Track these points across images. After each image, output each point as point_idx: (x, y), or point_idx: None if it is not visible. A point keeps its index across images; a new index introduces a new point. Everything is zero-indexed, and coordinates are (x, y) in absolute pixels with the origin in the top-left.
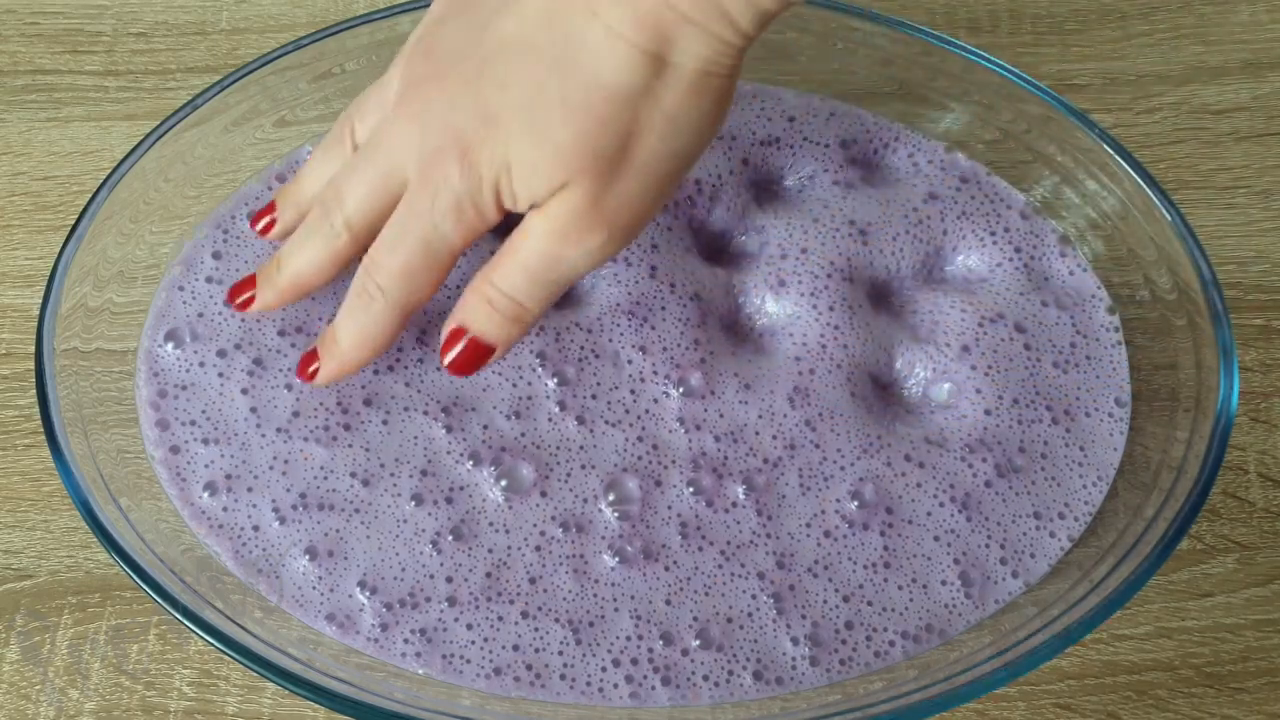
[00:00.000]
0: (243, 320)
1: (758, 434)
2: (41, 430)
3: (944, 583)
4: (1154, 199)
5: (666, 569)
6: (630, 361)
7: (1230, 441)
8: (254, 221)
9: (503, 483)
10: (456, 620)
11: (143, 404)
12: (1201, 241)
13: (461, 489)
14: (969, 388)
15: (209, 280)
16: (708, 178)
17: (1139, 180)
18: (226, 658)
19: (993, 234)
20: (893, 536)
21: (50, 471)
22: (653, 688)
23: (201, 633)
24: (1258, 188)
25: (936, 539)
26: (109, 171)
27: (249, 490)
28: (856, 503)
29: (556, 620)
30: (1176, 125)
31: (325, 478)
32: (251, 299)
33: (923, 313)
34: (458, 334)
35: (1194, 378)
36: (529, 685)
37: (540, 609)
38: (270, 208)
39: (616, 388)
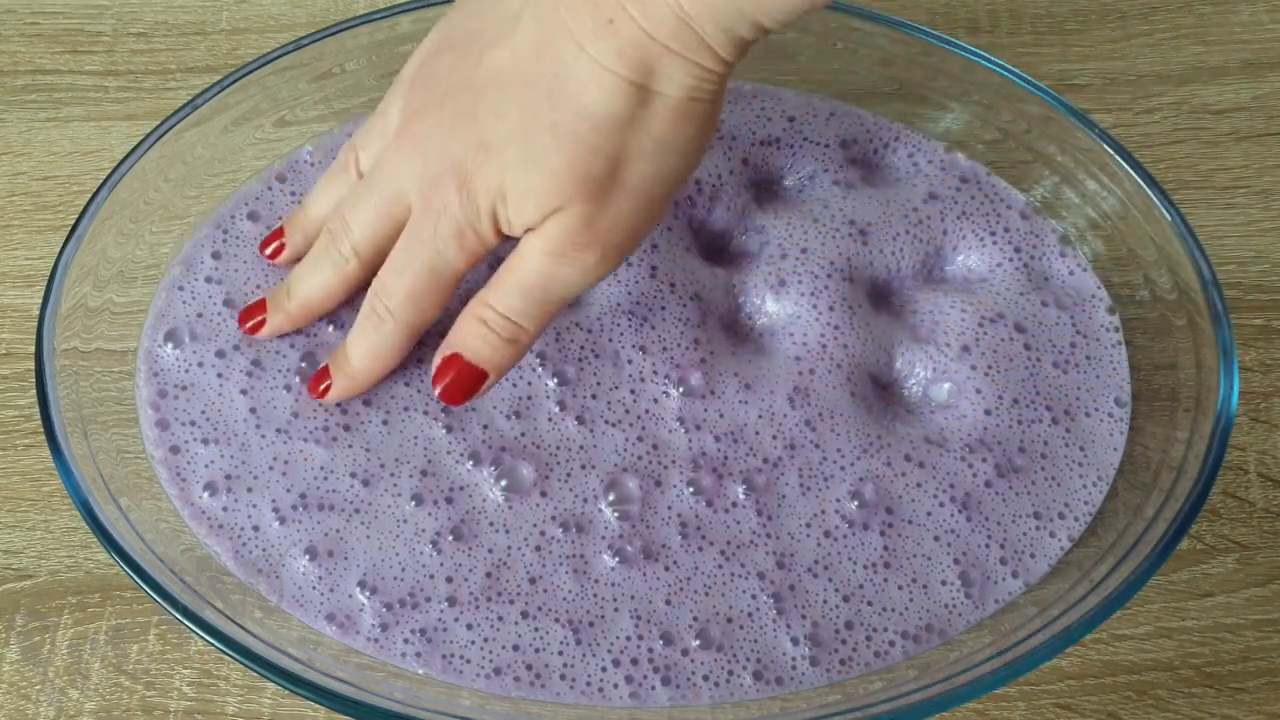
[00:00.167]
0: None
1: (758, 434)
2: (41, 430)
3: (944, 583)
4: (1154, 199)
5: (666, 569)
6: (630, 361)
7: (1230, 441)
8: (263, 246)
9: (503, 483)
10: (456, 620)
11: (143, 404)
12: (1201, 241)
13: (462, 489)
14: (969, 388)
15: (208, 280)
16: (708, 178)
17: (1139, 180)
18: (226, 658)
19: (993, 234)
20: (893, 536)
21: (50, 471)
22: (653, 688)
23: (201, 633)
24: (1258, 188)
25: (936, 539)
26: (109, 171)
27: (249, 490)
28: (856, 503)
29: (556, 620)
30: (1176, 125)
31: (325, 478)
32: (262, 323)
33: (923, 313)
34: (451, 361)
35: (1194, 378)
36: (529, 685)
37: (540, 609)
38: (278, 233)
39: (616, 387)
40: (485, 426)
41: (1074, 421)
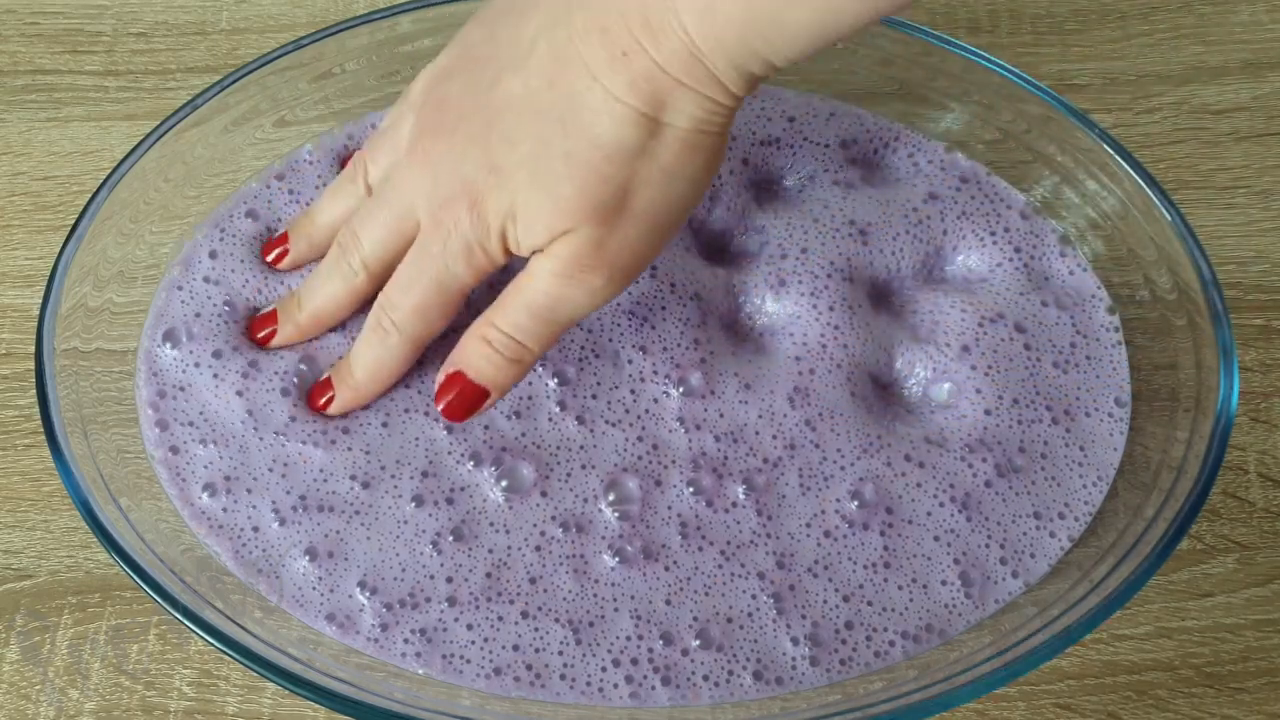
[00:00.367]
0: (239, 321)
1: (758, 434)
2: (41, 430)
3: (944, 583)
4: (1154, 199)
5: (666, 569)
6: (630, 361)
7: (1230, 441)
8: (265, 252)
9: (503, 483)
10: (456, 620)
11: (142, 404)
12: (1201, 241)
13: (462, 489)
14: (969, 388)
15: (206, 280)
16: None
17: (1139, 180)
18: (226, 658)
19: (993, 234)
20: (893, 536)
21: (50, 471)
22: (653, 688)
23: (201, 633)
24: (1258, 188)
25: (936, 539)
26: (109, 171)
27: (248, 492)
28: (856, 503)
29: (556, 620)
30: (1176, 125)
31: (325, 480)
32: (273, 333)
33: (923, 313)
34: (454, 379)
35: (1194, 378)
36: (529, 685)
37: (540, 609)
38: (282, 239)
39: (616, 387)
40: (486, 427)
41: (1074, 421)
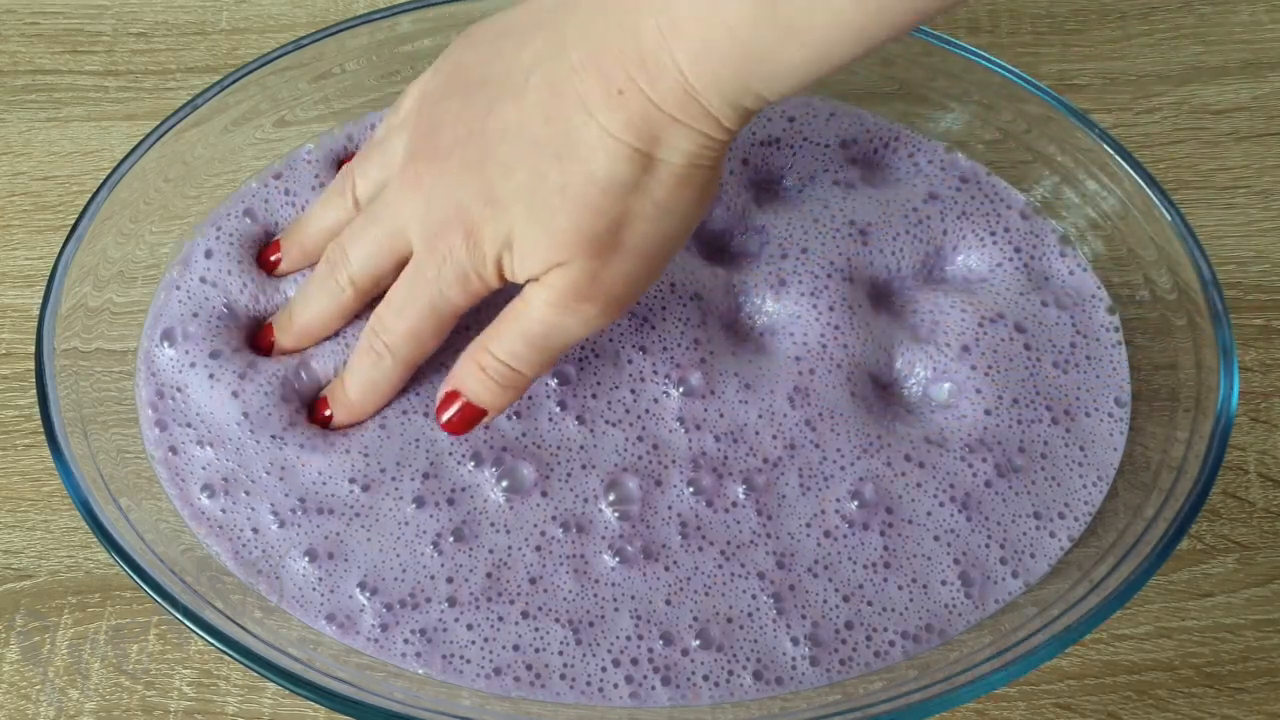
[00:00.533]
0: (236, 322)
1: (758, 434)
2: (41, 430)
3: (944, 583)
4: (1154, 199)
5: (666, 569)
6: (630, 361)
7: (1230, 441)
8: (261, 257)
9: (504, 483)
10: (457, 620)
11: (142, 404)
12: (1201, 241)
13: (463, 490)
14: (969, 388)
15: (203, 280)
16: None
17: (1139, 180)
18: (226, 658)
19: (993, 234)
20: (893, 536)
21: (50, 471)
22: (653, 688)
23: (201, 633)
24: (1258, 188)
25: (936, 539)
26: (109, 171)
27: (246, 494)
28: (856, 503)
29: (556, 620)
30: (1176, 125)
31: (324, 483)
32: (272, 345)
33: (923, 313)
34: (453, 397)
35: (1194, 378)
36: (529, 685)
37: (540, 609)
38: (275, 246)
39: (617, 387)
40: (486, 427)
41: (1074, 421)
